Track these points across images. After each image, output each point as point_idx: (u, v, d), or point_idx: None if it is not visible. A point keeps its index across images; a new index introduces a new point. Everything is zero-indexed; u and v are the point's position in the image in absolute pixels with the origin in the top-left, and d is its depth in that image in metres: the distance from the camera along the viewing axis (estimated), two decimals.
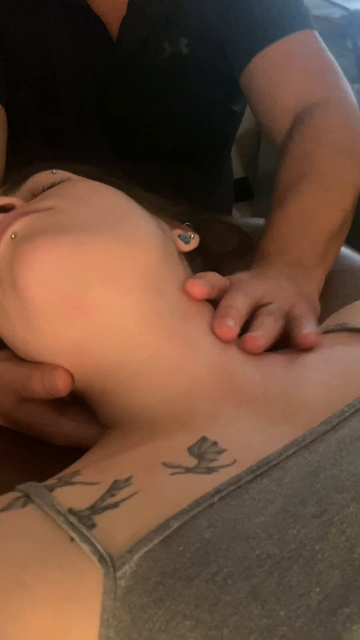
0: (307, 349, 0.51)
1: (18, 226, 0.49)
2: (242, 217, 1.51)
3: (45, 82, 0.84)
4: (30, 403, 0.52)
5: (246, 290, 0.55)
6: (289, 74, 0.79)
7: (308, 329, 0.52)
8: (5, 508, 0.41)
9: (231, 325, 0.50)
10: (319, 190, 0.69)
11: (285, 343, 0.56)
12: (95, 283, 0.47)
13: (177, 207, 0.64)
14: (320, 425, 0.40)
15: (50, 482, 0.43)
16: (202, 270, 0.63)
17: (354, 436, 0.38)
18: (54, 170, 0.56)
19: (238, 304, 0.53)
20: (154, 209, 0.58)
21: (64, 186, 0.54)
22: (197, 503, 0.36)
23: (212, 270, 0.67)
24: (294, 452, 0.38)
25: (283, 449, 0.39)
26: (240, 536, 0.33)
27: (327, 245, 0.67)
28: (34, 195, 0.55)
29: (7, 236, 0.48)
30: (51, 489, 0.42)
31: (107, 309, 0.48)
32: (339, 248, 0.72)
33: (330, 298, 0.66)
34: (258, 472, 0.37)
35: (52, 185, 0.55)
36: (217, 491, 0.36)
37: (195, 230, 0.63)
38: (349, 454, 0.37)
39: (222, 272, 0.69)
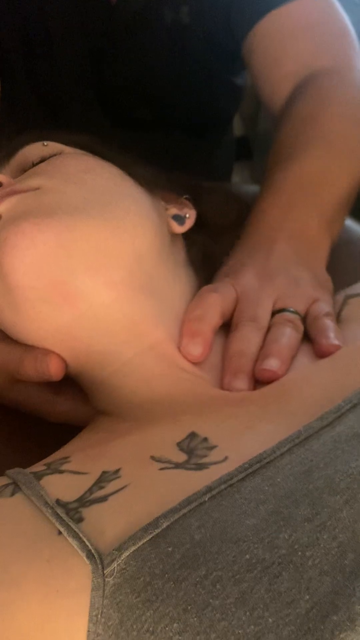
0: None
1: (3, 207, 0.47)
2: (241, 182, 1.48)
3: (39, 43, 0.81)
4: (24, 383, 0.52)
5: (256, 312, 0.50)
6: (294, 38, 0.75)
7: (330, 339, 0.48)
8: None
9: (243, 387, 0.46)
10: (327, 154, 0.65)
11: None
12: (80, 271, 0.46)
13: (173, 178, 0.62)
14: (316, 421, 0.39)
15: (39, 468, 0.43)
16: (199, 247, 0.61)
17: (349, 434, 0.38)
18: (46, 143, 0.54)
19: (251, 347, 0.48)
20: (149, 183, 0.56)
21: (54, 162, 0.52)
22: (187, 501, 0.35)
23: (211, 243, 0.65)
24: (288, 450, 0.38)
25: (277, 445, 0.38)
26: (230, 539, 0.33)
27: (335, 213, 0.63)
28: (24, 169, 0.53)
29: None
30: (39, 477, 0.41)
31: (92, 300, 0.46)
32: (345, 217, 0.67)
33: (338, 272, 0.61)
34: (250, 470, 0.36)
35: (42, 160, 0.52)
36: (208, 489, 0.36)
37: (192, 201, 0.61)
38: (344, 453, 0.36)
39: (221, 244, 0.68)
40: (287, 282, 0.53)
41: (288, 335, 0.49)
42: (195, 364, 0.47)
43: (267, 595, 0.30)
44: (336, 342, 0.48)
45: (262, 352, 0.48)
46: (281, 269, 0.55)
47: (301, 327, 0.50)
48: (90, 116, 0.85)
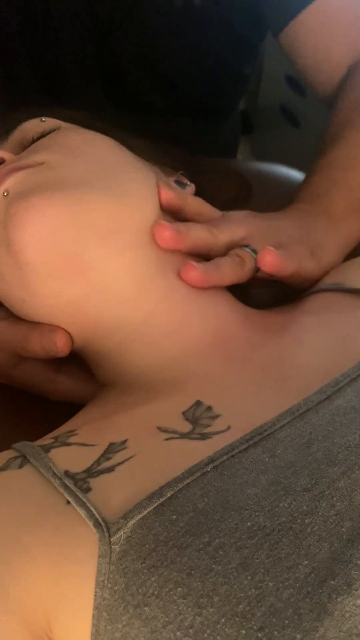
0: (270, 270, 0.52)
1: (9, 183, 0.47)
2: (242, 156, 1.48)
3: (40, 21, 0.79)
4: (27, 362, 0.53)
5: (219, 226, 0.53)
6: (340, 27, 0.75)
7: (264, 253, 0.51)
8: (3, 468, 0.42)
9: (167, 234, 0.48)
10: None
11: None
12: (92, 242, 0.47)
13: (171, 153, 0.63)
14: (315, 395, 0.40)
15: (46, 441, 0.44)
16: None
17: (347, 407, 0.39)
18: (43, 118, 0.54)
19: (193, 234, 0.51)
20: (148, 157, 0.56)
21: (55, 137, 0.52)
22: (190, 472, 0.37)
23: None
24: (288, 422, 0.39)
25: (277, 418, 0.39)
26: (232, 507, 0.34)
27: None
28: (23, 145, 0.53)
29: None
30: (47, 449, 0.43)
31: (103, 269, 0.47)
32: None
33: None
34: (251, 442, 0.38)
35: (42, 135, 0.53)
36: (210, 460, 0.37)
37: (191, 178, 0.62)
38: (341, 426, 0.37)
39: None
40: (270, 229, 0.55)
41: (228, 264, 0.51)
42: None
43: (268, 561, 0.32)
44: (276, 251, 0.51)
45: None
46: (277, 219, 0.57)
47: (250, 265, 0.52)
48: (93, 96, 0.84)
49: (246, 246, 0.53)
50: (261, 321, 0.51)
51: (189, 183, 0.57)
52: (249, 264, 0.52)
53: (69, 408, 0.53)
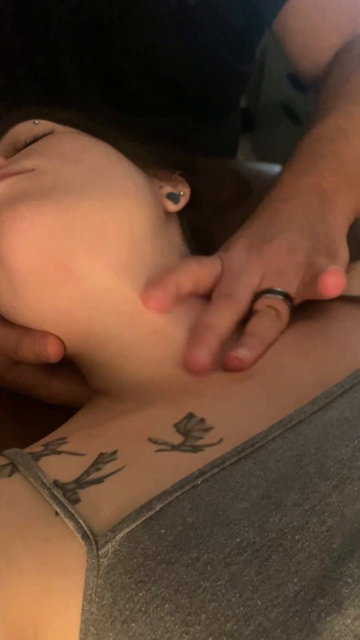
0: (332, 295, 0.47)
1: None
2: (243, 154, 1.47)
3: (35, 18, 0.78)
4: (20, 365, 0.52)
5: (235, 289, 0.48)
6: (328, 12, 0.74)
7: (327, 276, 0.46)
8: None
9: (203, 359, 0.45)
10: (354, 107, 0.61)
11: None
12: (80, 252, 0.46)
13: (168, 154, 0.62)
14: (308, 406, 0.40)
15: (37, 449, 0.44)
16: (195, 225, 0.61)
17: (340, 419, 0.38)
18: (36, 121, 0.54)
19: (220, 321, 0.47)
20: (141, 160, 0.56)
21: (48, 141, 0.51)
22: (180, 484, 0.36)
23: (207, 222, 0.65)
24: (280, 434, 0.38)
25: (269, 430, 0.39)
26: (222, 522, 0.34)
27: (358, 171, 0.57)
28: (16, 149, 0.53)
29: None
30: (37, 457, 0.42)
31: (93, 280, 0.47)
32: None
33: None
34: (243, 454, 0.37)
35: (35, 139, 0.52)
36: (201, 473, 0.36)
37: (188, 178, 0.61)
38: (334, 438, 0.37)
39: (220, 222, 0.67)
40: (278, 252, 0.50)
41: (267, 326, 0.47)
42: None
43: (257, 578, 0.31)
44: (336, 274, 0.46)
45: (237, 343, 0.46)
46: (278, 233, 0.52)
47: (285, 311, 0.49)
48: (90, 96, 0.83)
49: (268, 291, 0.49)
50: None
51: (182, 192, 0.56)
52: (284, 311, 0.48)
53: (64, 409, 0.53)
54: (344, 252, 0.53)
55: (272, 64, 1.56)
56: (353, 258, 0.57)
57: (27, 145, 0.52)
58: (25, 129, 0.53)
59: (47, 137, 0.52)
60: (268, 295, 0.49)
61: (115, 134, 0.57)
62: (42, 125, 0.53)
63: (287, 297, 0.49)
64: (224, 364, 0.45)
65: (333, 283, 0.47)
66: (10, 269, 0.45)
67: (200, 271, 0.50)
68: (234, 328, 0.48)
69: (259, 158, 1.70)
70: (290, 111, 1.55)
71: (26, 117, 0.54)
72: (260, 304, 0.49)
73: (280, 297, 0.49)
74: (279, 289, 0.49)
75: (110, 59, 0.81)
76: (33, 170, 0.48)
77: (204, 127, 0.92)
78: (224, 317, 0.48)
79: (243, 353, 0.45)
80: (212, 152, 0.92)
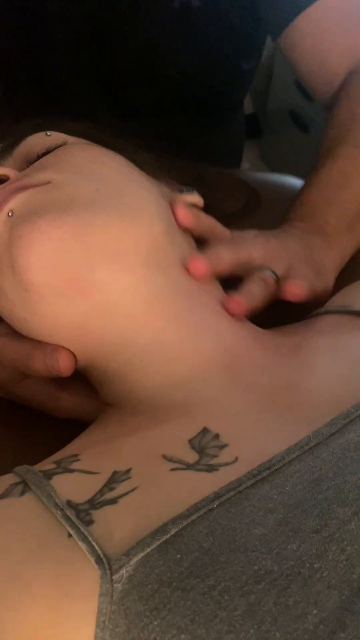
0: (295, 300, 0.53)
1: (14, 203, 0.46)
2: (250, 161, 1.46)
3: (36, 25, 0.78)
4: (31, 379, 0.52)
5: (239, 246, 0.54)
6: (336, 33, 0.75)
7: (292, 282, 0.53)
8: (3, 495, 0.41)
9: (205, 263, 0.49)
10: (357, 150, 0.66)
11: (290, 316, 0.55)
12: (97, 264, 0.45)
13: (177, 165, 0.61)
14: (325, 427, 0.39)
15: (48, 466, 0.43)
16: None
17: (359, 442, 0.37)
18: (49, 133, 0.53)
19: (220, 256, 0.52)
20: (153, 171, 0.55)
21: (61, 154, 0.51)
22: (196, 508, 0.35)
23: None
24: (297, 457, 0.38)
25: (286, 452, 0.38)
26: (238, 548, 0.33)
27: (358, 212, 0.63)
28: (28, 161, 0.52)
29: (3, 214, 0.46)
30: (49, 476, 0.41)
31: (109, 289, 0.46)
32: None
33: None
34: (259, 477, 0.37)
35: (47, 151, 0.52)
36: (217, 496, 0.36)
37: (198, 189, 0.60)
38: (352, 462, 0.36)
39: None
40: (278, 246, 0.56)
41: (258, 288, 0.52)
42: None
43: (275, 609, 0.31)
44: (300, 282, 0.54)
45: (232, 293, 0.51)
46: (282, 238, 0.58)
47: (272, 287, 0.53)
48: (92, 101, 0.82)
49: (265, 269, 0.54)
50: (271, 342, 0.50)
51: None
52: (271, 287, 0.53)
53: (73, 423, 0.52)
54: (330, 279, 0.59)
55: (280, 71, 1.56)
56: None
57: (39, 157, 0.52)
58: (38, 140, 0.53)
59: (60, 149, 0.52)
60: (264, 270, 0.54)
61: (125, 144, 0.56)
62: (54, 136, 0.53)
63: (277, 280, 0.54)
64: (224, 305, 0.50)
65: (293, 291, 0.54)
66: (26, 282, 0.45)
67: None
68: (228, 271, 0.53)
69: (266, 164, 1.69)
70: (298, 118, 1.55)
71: (38, 129, 0.54)
72: (255, 274, 0.53)
73: (272, 275, 0.54)
74: (272, 270, 0.54)
75: (112, 61, 0.81)
76: (49, 183, 0.48)
77: (209, 127, 0.92)
78: (225, 255, 0.52)
79: (242, 298, 0.50)
80: (217, 156, 0.92)
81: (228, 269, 0.53)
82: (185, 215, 0.52)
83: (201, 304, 0.49)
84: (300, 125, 1.56)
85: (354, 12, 0.76)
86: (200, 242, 0.58)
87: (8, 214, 0.46)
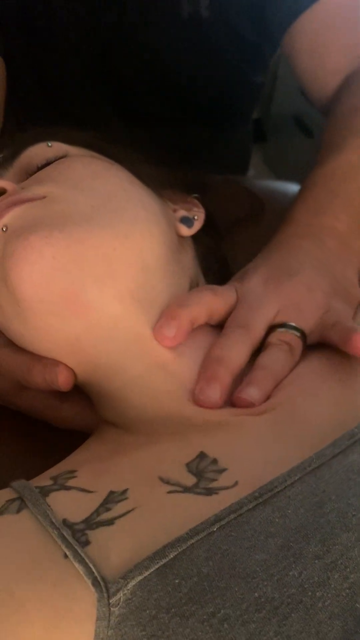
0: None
1: (9, 218, 0.46)
2: (254, 165, 1.46)
3: (43, 33, 0.77)
4: (30, 390, 0.51)
5: (250, 319, 0.47)
6: (337, 31, 0.73)
7: (352, 334, 0.45)
8: (0, 511, 0.40)
9: (215, 397, 0.44)
10: None
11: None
12: (89, 283, 0.45)
13: (181, 174, 0.61)
14: (328, 448, 0.38)
15: (45, 482, 0.42)
16: (210, 246, 0.60)
17: None
18: (50, 143, 0.52)
19: (232, 355, 0.45)
20: (156, 183, 0.54)
21: (60, 167, 0.50)
22: (195, 531, 0.35)
23: (220, 239, 0.64)
24: (299, 479, 0.37)
25: (287, 474, 0.37)
26: (239, 574, 0.32)
27: None
28: (28, 172, 0.52)
29: None
30: (46, 493, 0.41)
31: (101, 311, 0.45)
32: None
33: None
34: (260, 500, 0.36)
35: (47, 163, 0.51)
36: (217, 519, 0.35)
37: (201, 197, 0.59)
38: (356, 485, 0.35)
39: (233, 241, 0.66)
40: (297, 287, 0.49)
41: (279, 361, 0.46)
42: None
43: (276, 638, 0.30)
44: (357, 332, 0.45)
45: (247, 377, 0.45)
46: (296, 269, 0.51)
47: (299, 348, 0.47)
48: (97, 107, 0.82)
49: (283, 326, 0.48)
50: None
51: (196, 217, 0.55)
52: (297, 348, 0.47)
53: (71, 432, 0.52)
54: (357, 292, 0.52)
55: (284, 76, 1.55)
56: None
57: (39, 169, 0.51)
58: (39, 151, 0.52)
59: (60, 161, 0.51)
60: (282, 329, 0.47)
61: (129, 155, 0.55)
62: (55, 147, 0.52)
63: (302, 334, 0.48)
64: (232, 403, 0.44)
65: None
66: (19, 298, 0.44)
67: (214, 301, 0.48)
68: (247, 360, 0.47)
69: (270, 169, 1.68)
70: (302, 123, 1.54)
71: (40, 138, 0.53)
72: (273, 338, 0.47)
73: (295, 332, 0.47)
74: (295, 325, 0.48)
75: (120, 70, 0.80)
76: (44, 197, 0.47)
77: (216, 138, 0.91)
78: (237, 350, 0.46)
79: (252, 393, 0.44)
80: (224, 165, 0.91)
81: (242, 364, 0.46)
82: (172, 341, 0.45)
83: (198, 337, 0.48)
84: (304, 130, 1.55)
85: (354, 15, 0.75)
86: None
87: (2, 229, 0.45)
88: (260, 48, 0.81)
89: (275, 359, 0.46)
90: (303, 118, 1.53)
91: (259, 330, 0.47)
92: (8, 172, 0.53)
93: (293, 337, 0.47)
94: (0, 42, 0.73)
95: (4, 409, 0.55)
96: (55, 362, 0.47)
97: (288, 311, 0.48)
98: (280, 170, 1.64)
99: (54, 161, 0.51)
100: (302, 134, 1.54)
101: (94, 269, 0.45)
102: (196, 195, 0.59)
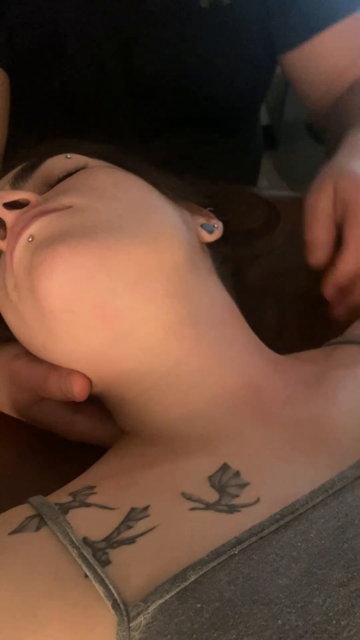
0: None
1: (35, 228, 0.45)
2: (265, 172, 1.45)
3: (54, 40, 0.75)
4: (46, 401, 0.51)
5: None
6: (343, 58, 0.76)
7: None
8: (19, 529, 0.40)
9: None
10: None
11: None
12: (119, 291, 0.45)
13: (198, 186, 0.60)
14: (351, 470, 0.38)
15: (64, 499, 0.42)
16: (226, 255, 0.60)
17: None
18: (69, 155, 0.52)
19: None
20: (174, 193, 0.54)
21: (83, 177, 0.50)
22: (216, 553, 0.34)
23: (239, 248, 0.64)
24: (321, 501, 0.36)
25: (310, 495, 0.37)
26: (261, 600, 0.32)
27: None
28: (48, 184, 0.51)
29: (23, 239, 0.45)
30: (65, 510, 0.40)
31: (130, 317, 0.45)
32: None
33: None
34: (282, 522, 0.35)
35: (67, 174, 0.51)
36: (238, 541, 0.35)
37: (218, 207, 0.59)
38: None
39: (249, 251, 0.66)
40: None
41: None
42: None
43: None
44: None
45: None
46: None
47: None
48: (114, 117, 0.81)
49: None
50: (292, 372, 0.49)
51: (216, 225, 0.54)
52: None
53: (87, 447, 0.51)
54: None
55: None
56: None
57: (60, 180, 0.51)
58: (58, 163, 0.52)
59: (81, 172, 0.50)
60: None
61: (147, 167, 0.55)
62: (74, 159, 0.52)
63: None
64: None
65: None
66: (46, 308, 0.44)
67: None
68: None
69: (281, 175, 1.68)
70: (314, 130, 1.54)
71: (58, 150, 0.53)
72: None
73: None
74: None
75: (139, 67, 0.79)
76: (70, 207, 0.46)
77: (228, 144, 0.90)
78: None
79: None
80: (235, 173, 0.90)
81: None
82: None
83: (222, 334, 0.48)
84: (315, 137, 1.54)
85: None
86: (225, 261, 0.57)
87: (28, 239, 0.45)
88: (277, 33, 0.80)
89: None
90: (315, 125, 1.52)
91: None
92: (28, 184, 0.52)
93: None
94: (6, 56, 0.72)
95: (17, 423, 0.54)
96: (70, 372, 0.47)
97: None
98: (291, 177, 1.63)
99: (74, 172, 0.51)
100: (314, 140, 1.54)
101: (124, 276, 0.45)
102: (211, 209, 0.59)
